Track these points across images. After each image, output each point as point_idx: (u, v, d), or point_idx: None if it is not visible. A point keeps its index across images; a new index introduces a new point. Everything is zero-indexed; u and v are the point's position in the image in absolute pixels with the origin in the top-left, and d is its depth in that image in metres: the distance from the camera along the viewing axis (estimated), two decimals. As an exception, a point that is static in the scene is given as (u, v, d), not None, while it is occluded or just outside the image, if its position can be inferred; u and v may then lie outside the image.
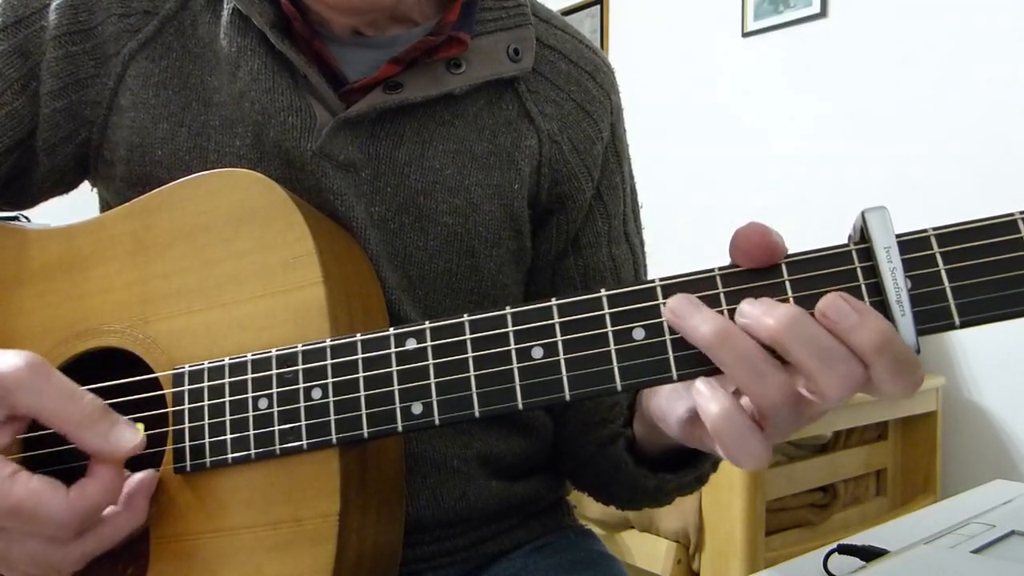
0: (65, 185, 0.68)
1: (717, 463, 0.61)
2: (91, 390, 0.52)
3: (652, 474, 0.60)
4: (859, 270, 0.40)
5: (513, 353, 0.43)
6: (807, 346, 0.37)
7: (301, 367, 0.47)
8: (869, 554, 0.70)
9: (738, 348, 0.38)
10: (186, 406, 0.50)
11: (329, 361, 0.47)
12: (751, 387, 0.38)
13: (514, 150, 0.65)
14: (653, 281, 0.42)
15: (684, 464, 0.60)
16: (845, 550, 0.71)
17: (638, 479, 0.61)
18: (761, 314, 0.39)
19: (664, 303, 0.42)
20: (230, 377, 0.49)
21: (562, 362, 0.43)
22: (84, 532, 0.44)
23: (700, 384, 0.40)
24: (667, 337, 0.41)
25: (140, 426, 0.46)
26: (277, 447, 0.47)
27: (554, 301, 0.43)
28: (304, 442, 0.47)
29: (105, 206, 0.69)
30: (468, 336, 0.44)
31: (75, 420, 0.43)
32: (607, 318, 0.42)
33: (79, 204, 0.76)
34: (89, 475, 0.44)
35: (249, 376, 0.49)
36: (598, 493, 0.70)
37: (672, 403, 0.48)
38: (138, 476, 0.47)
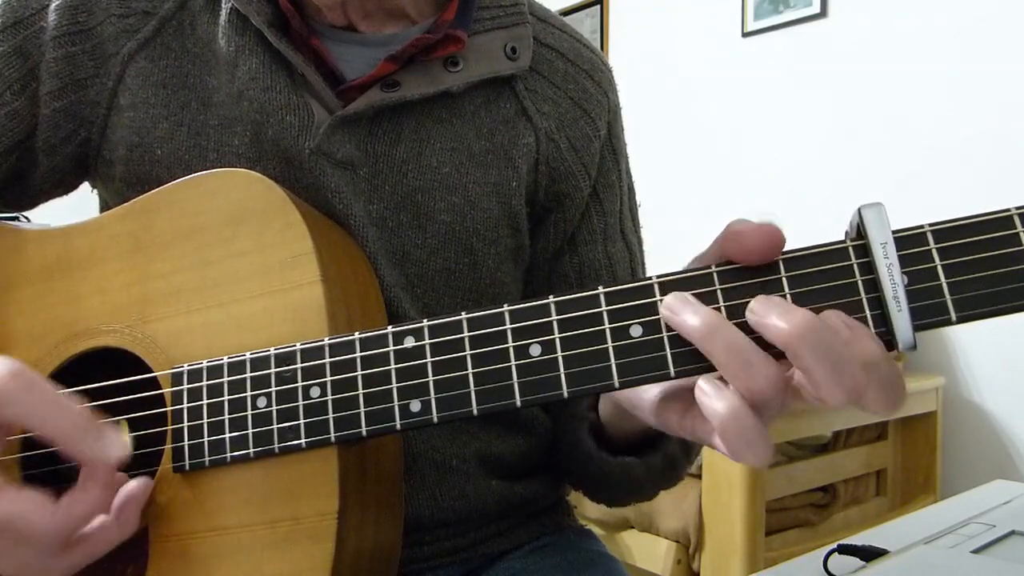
0: (65, 186, 0.68)
1: (689, 449, 0.60)
2: (90, 390, 0.53)
3: (612, 458, 0.59)
4: (856, 266, 0.40)
5: (511, 351, 0.43)
6: (818, 352, 0.37)
7: (299, 366, 0.47)
8: (869, 554, 0.69)
9: (727, 338, 0.38)
10: (185, 405, 0.50)
11: (327, 360, 0.47)
12: (741, 376, 0.38)
13: (512, 148, 0.65)
14: (650, 278, 0.42)
15: (647, 446, 0.59)
16: (845, 550, 0.70)
17: (600, 464, 0.60)
18: (777, 317, 0.38)
19: (662, 300, 0.41)
20: (228, 376, 0.49)
21: (560, 359, 0.43)
22: (73, 544, 0.44)
23: (704, 383, 0.39)
24: (664, 334, 0.41)
25: (125, 430, 0.45)
26: (276, 446, 0.47)
27: (552, 299, 0.43)
28: (303, 441, 0.47)
29: (105, 206, 0.69)
30: (466, 334, 0.44)
31: (63, 429, 0.43)
32: (604, 315, 0.42)
33: (79, 204, 0.76)
34: (80, 488, 0.44)
35: (248, 375, 0.49)
36: (583, 488, 0.69)
37: (642, 389, 0.47)
38: (130, 486, 0.46)
